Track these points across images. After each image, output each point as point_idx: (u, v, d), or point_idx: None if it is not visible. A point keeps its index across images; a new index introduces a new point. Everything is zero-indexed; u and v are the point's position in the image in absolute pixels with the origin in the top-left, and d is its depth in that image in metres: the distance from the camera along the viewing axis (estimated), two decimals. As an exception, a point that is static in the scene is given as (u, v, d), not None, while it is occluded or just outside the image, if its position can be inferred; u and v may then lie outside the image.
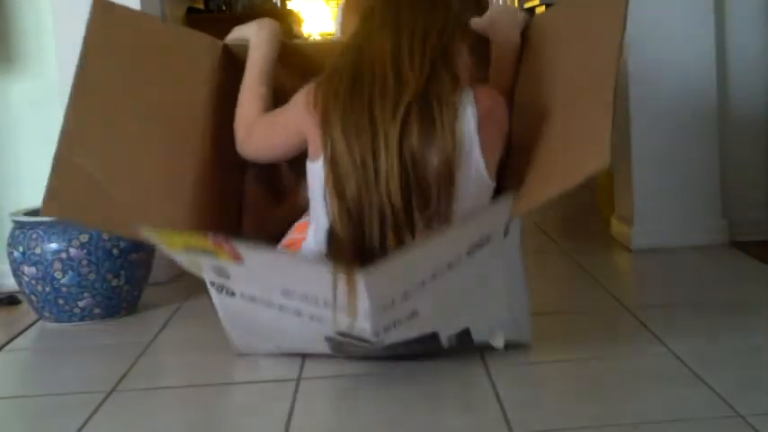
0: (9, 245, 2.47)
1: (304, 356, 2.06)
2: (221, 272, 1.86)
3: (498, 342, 1.98)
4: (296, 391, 1.87)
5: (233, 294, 1.92)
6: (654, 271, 2.69)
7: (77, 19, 2.82)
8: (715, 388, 1.74)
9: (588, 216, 3.60)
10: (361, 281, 1.69)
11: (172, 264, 2.90)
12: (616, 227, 3.11)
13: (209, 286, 1.96)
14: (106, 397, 1.91)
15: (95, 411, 1.83)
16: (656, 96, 2.90)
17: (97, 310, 2.46)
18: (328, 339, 1.93)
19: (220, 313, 2.02)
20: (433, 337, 1.92)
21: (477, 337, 1.96)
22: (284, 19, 4.82)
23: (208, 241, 1.76)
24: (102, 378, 2.02)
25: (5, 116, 2.93)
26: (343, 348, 1.95)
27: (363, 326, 1.81)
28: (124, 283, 2.48)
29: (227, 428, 1.77)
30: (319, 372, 1.99)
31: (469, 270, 1.83)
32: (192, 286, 2.81)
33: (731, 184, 2.98)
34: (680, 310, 2.28)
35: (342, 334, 1.88)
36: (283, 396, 1.84)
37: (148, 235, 1.82)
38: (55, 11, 2.83)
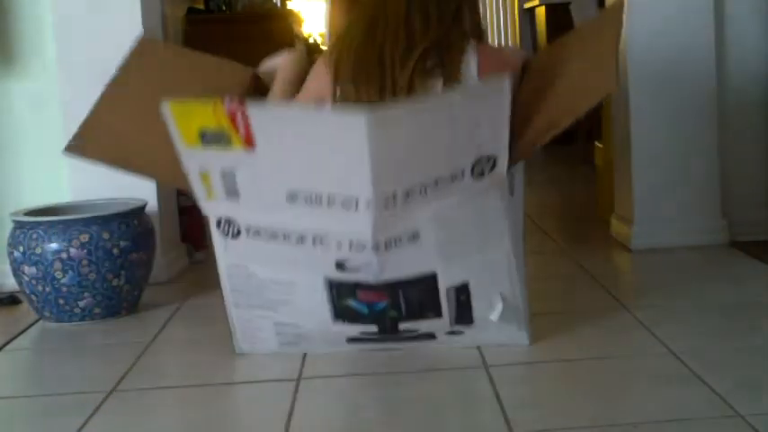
0: (9, 245, 2.47)
1: (304, 356, 2.07)
2: (230, 183, 1.89)
3: (495, 312, 1.99)
4: (296, 391, 1.87)
5: (238, 234, 1.95)
6: (654, 271, 2.69)
7: (77, 19, 2.83)
8: (715, 388, 1.74)
9: (588, 216, 3.60)
10: (362, 118, 1.73)
11: (172, 264, 2.92)
12: (616, 227, 3.11)
13: (214, 234, 1.99)
14: (106, 397, 1.91)
15: (95, 411, 1.83)
16: (655, 97, 2.90)
17: (97, 310, 2.47)
18: (330, 286, 1.96)
19: (225, 279, 2.05)
20: (433, 280, 1.95)
21: (477, 299, 1.98)
22: (284, 19, 4.82)
23: (223, 111, 1.80)
24: (102, 378, 2.02)
25: (5, 116, 2.92)
26: (344, 301, 1.97)
27: (364, 226, 1.84)
28: (124, 283, 2.48)
29: (227, 428, 1.77)
30: (319, 372, 1.99)
31: (473, 199, 1.90)
32: (192, 286, 2.83)
33: (731, 185, 2.98)
34: (680, 310, 2.28)
35: (343, 265, 1.91)
36: (283, 396, 1.84)
37: (168, 110, 1.84)
38: (55, 11, 2.83)
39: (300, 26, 5.79)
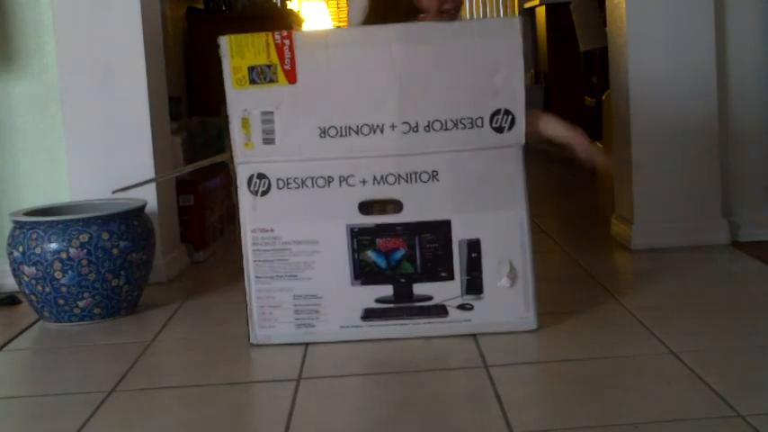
0: (9, 245, 2.47)
1: (304, 356, 2.07)
2: (268, 127, 2.08)
3: (505, 280, 2.10)
4: (296, 391, 1.87)
5: (268, 190, 2.10)
6: (654, 271, 2.69)
7: (77, 19, 2.83)
8: (715, 388, 1.74)
9: (588, 216, 3.60)
10: (392, 30, 2.08)
11: (172, 264, 2.92)
12: (616, 227, 3.11)
13: (243, 196, 2.11)
14: (106, 397, 1.91)
15: (95, 411, 1.83)
16: (656, 96, 2.90)
17: (97, 310, 2.47)
18: (352, 235, 2.10)
19: (248, 251, 2.13)
20: (448, 228, 2.10)
21: (487, 261, 2.10)
22: (284, 19, 4.82)
23: (272, 44, 2.05)
24: (102, 378, 2.02)
25: (5, 116, 2.93)
26: (364, 252, 2.10)
27: (388, 149, 2.07)
28: (124, 283, 2.48)
29: (227, 428, 1.77)
30: (319, 372, 1.99)
31: (493, 153, 2.08)
32: (192, 286, 2.83)
33: (731, 184, 2.98)
34: (680, 310, 2.28)
35: (366, 207, 2.10)
36: (283, 396, 1.85)
37: (225, 44, 2.08)
38: (55, 11, 2.84)
39: (300, 26, 5.79)
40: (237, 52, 2.08)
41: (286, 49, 2.06)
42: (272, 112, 2.09)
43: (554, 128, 2.24)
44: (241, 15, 4.68)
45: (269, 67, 2.07)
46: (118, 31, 2.82)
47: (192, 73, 4.38)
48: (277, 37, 2.07)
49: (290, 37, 2.07)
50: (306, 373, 1.97)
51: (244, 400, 1.91)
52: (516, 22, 2.08)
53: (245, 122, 2.10)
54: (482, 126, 2.07)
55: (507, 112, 2.07)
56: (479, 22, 2.22)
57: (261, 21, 4.52)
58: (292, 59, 2.07)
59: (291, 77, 2.07)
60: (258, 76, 2.08)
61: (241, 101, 2.10)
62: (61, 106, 2.87)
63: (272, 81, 2.08)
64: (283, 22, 4.67)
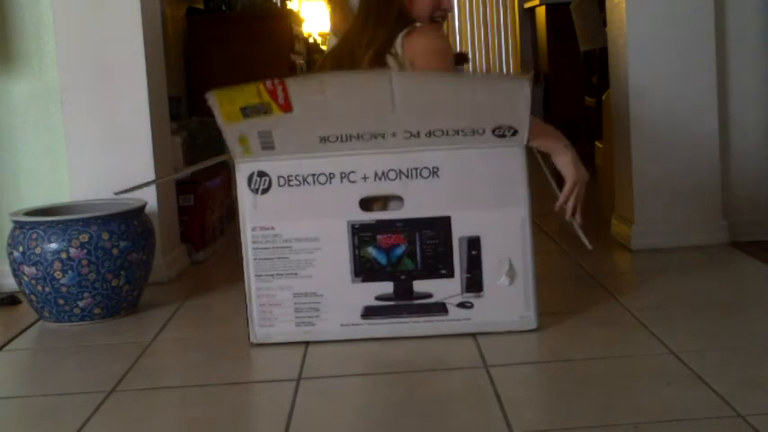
0: (9, 245, 2.47)
1: (304, 356, 2.07)
2: (266, 139, 2.06)
3: (504, 278, 2.10)
4: (296, 391, 1.87)
5: (268, 188, 2.09)
6: (654, 271, 2.69)
7: (77, 19, 2.83)
8: (715, 388, 1.74)
9: (588, 216, 3.59)
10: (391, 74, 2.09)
11: (172, 264, 2.92)
12: (616, 227, 3.11)
13: (244, 195, 2.11)
14: (106, 397, 1.91)
15: (95, 411, 1.83)
16: (656, 96, 2.90)
17: (97, 310, 2.47)
18: (353, 232, 2.10)
19: (248, 249, 2.13)
20: (448, 224, 2.10)
21: (487, 260, 2.10)
22: (284, 19, 4.81)
23: (264, 91, 1.99)
24: (102, 378, 2.02)
25: (5, 116, 2.93)
26: (365, 249, 2.11)
27: (390, 149, 2.07)
28: (124, 283, 2.48)
29: (227, 428, 1.77)
30: (319, 372, 1.99)
31: (494, 150, 2.08)
32: (192, 286, 2.82)
33: (731, 185, 2.98)
34: (680, 310, 2.28)
35: (366, 203, 2.10)
36: (283, 396, 1.85)
37: (213, 99, 2.01)
38: (55, 11, 2.84)
39: (300, 26, 5.79)
40: (227, 101, 2.02)
41: (279, 90, 2.00)
42: (269, 131, 2.07)
43: (562, 164, 2.30)
44: (241, 15, 4.68)
45: (262, 105, 2.02)
46: (118, 31, 2.82)
47: (191, 73, 4.38)
48: (269, 84, 2.00)
49: (283, 84, 2.00)
50: (306, 373, 1.97)
51: (244, 400, 1.91)
52: (525, 86, 2.01)
53: (243, 139, 2.08)
54: (483, 134, 2.07)
55: (510, 127, 2.06)
56: (486, 82, 2.15)
57: (261, 21, 4.52)
58: (286, 97, 2.01)
59: (286, 108, 2.02)
60: (252, 111, 2.03)
61: (236, 130, 2.06)
62: (61, 106, 2.87)
63: (266, 113, 2.03)
64: (283, 22, 4.67)
